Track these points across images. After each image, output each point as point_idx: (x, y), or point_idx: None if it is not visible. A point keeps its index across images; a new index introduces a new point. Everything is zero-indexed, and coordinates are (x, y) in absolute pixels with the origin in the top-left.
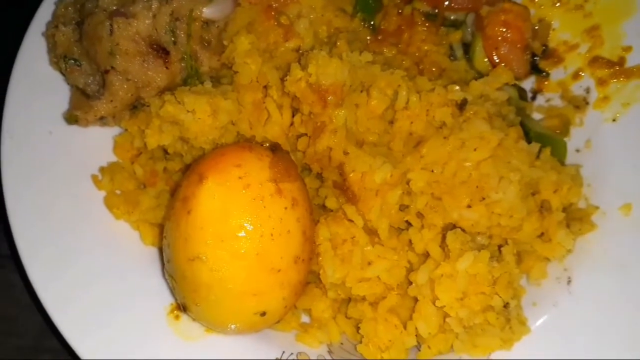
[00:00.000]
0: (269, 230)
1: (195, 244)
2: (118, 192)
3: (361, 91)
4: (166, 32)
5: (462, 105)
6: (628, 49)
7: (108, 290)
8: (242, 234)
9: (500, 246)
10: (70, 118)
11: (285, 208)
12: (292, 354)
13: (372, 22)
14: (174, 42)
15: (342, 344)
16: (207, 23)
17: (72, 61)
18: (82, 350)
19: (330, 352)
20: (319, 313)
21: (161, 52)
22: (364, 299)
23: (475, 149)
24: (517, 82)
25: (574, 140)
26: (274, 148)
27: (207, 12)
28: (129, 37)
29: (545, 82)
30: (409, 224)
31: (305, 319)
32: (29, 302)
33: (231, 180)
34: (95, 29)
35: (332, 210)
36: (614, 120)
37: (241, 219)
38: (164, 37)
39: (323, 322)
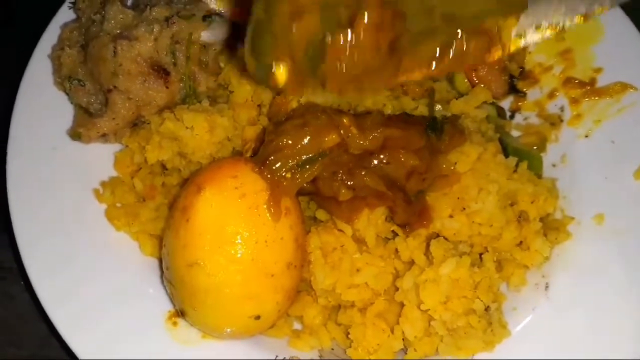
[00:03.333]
0: (263, 237)
1: (194, 250)
2: (118, 205)
3: (349, 110)
4: (167, 54)
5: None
6: (598, 70)
7: (110, 299)
8: (238, 240)
9: (481, 254)
10: (74, 135)
11: None
12: (285, 357)
13: None
14: (174, 64)
15: (332, 349)
16: (205, 46)
17: (77, 81)
18: (83, 353)
19: (321, 356)
20: (310, 320)
21: (162, 72)
22: (353, 305)
23: (455, 163)
24: (496, 102)
25: (550, 155)
26: None
27: (205, 36)
28: (132, 59)
29: (523, 102)
30: (395, 233)
31: (297, 326)
32: (30, 314)
33: (228, 190)
34: (99, 51)
35: (322, 221)
36: (586, 136)
37: (237, 226)
38: (164, 59)
39: (314, 329)
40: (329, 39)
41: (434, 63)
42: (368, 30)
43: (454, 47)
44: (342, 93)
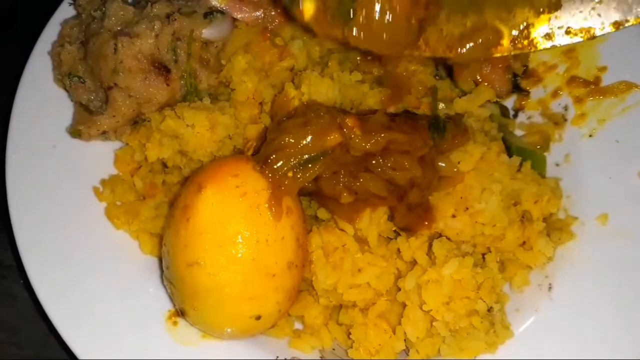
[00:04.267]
0: (264, 237)
1: (194, 250)
2: (118, 203)
3: (351, 108)
4: (168, 51)
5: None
6: (603, 69)
7: (109, 298)
8: (239, 239)
9: (484, 254)
10: (74, 132)
11: None
12: (285, 358)
13: None
14: (175, 61)
15: (333, 349)
16: (207, 43)
17: (77, 78)
18: (83, 353)
19: (322, 356)
20: (311, 320)
21: (162, 70)
22: (354, 305)
23: (459, 162)
24: (499, 100)
25: (553, 154)
26: None
27: (206, 33)
28: (132, 56)
29: (527, 101)
30: (397, 233)
31: (298, 326)
32: (31, 313)
33: (229, 189)
34: (100, 48)
35: (324, 221)
36: (590, 135)
37: (238, 225)
38: (165, 56)
39: (315, 329)
40: None
41: (456, 45)
42: None
43: (477, 35)
44: (366, 47)
